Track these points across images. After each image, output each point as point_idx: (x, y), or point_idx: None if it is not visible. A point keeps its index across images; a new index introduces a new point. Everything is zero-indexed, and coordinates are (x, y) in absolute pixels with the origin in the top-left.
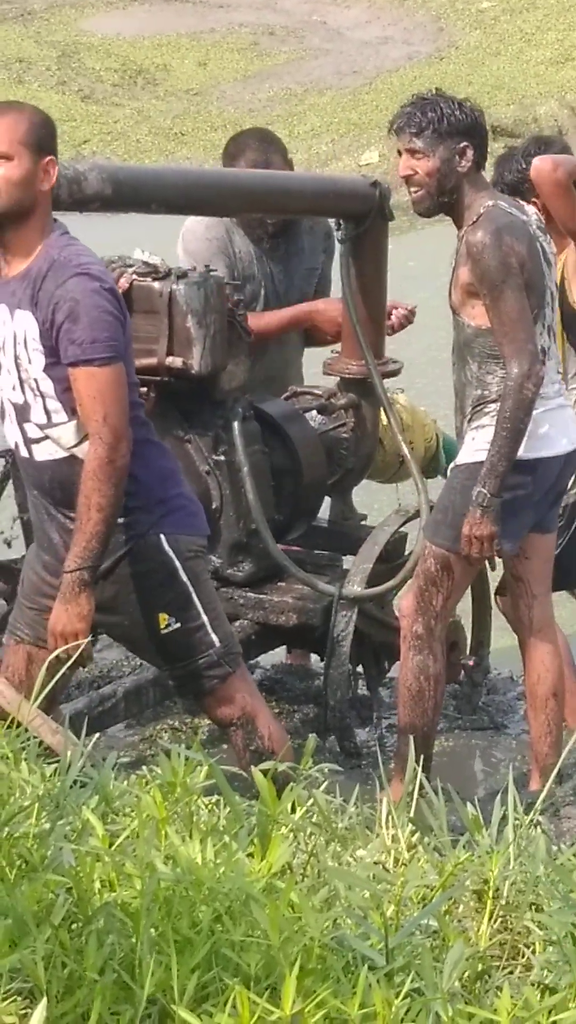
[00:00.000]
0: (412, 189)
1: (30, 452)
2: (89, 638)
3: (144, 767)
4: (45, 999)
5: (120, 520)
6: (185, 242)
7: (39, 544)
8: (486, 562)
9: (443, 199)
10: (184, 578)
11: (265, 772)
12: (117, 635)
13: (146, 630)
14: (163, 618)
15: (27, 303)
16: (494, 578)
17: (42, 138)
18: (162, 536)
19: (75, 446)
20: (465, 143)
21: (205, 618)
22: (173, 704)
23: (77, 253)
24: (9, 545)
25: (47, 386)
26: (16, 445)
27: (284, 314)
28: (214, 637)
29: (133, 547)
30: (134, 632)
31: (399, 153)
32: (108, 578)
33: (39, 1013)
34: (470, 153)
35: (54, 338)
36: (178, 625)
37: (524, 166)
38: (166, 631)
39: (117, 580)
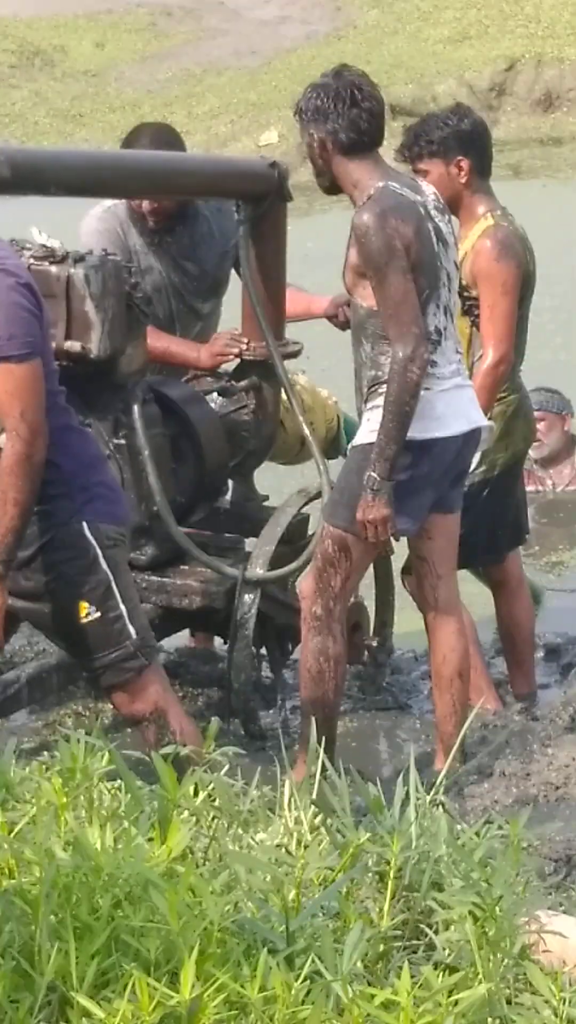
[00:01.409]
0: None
1: None
2: None
3: (47, 753)
4: None
5: (42, 507)
6: (81, 235)
7: None
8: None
9: (321, 180)
10: (104, 566)
11: (166, 757)
12: (38, 623)
13: (66, 619)
14: (83, 607)
15: None
16: (399, 558)
17: None
18: (84, 523)
19: None
20: (313, 130)
21: (123, 609)
22: (76, 689)
23: None
24: None
25: None
26: None
27: (173, 349)
28: (131, 629)
29: (55, 535)
30: (54, 620)
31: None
32: (30, 566)
33: None
34: (317, 137)
35: None
36: (98, 615)
37: (453, 121)
38: (86, 620)
39: (39, 568)
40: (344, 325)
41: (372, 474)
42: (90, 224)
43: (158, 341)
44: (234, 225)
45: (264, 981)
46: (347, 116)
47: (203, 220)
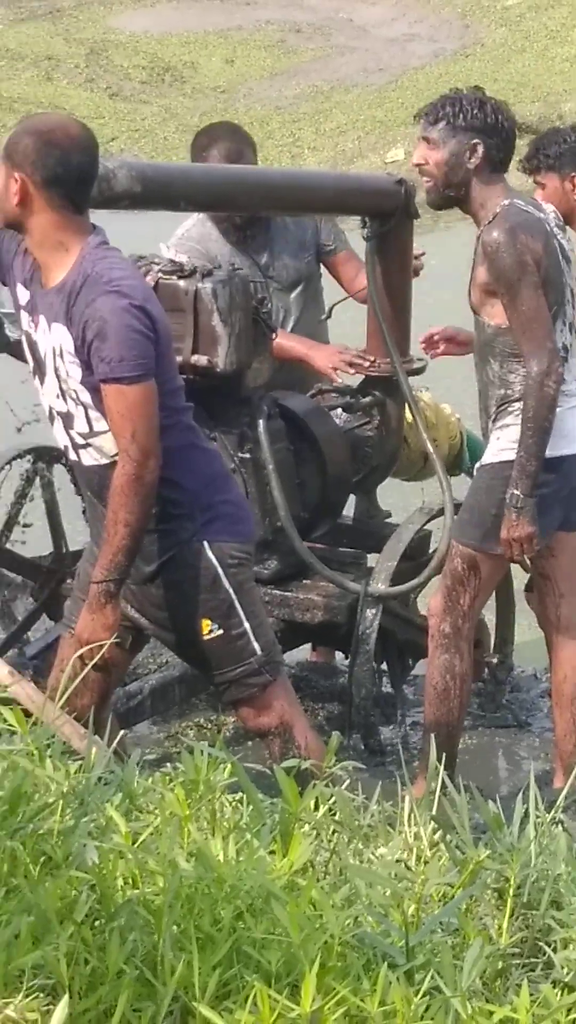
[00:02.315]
0: (424, 180)
1: (78, 456)
2: (113, 640)
3: (169, 764)
4: (67, 995)
5: (164, 526)
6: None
7: (93, 540)
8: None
9: (449, 192)
10: (227, 585)
11: (288, 770)
12: (163, 638)
13: (189, 635)
14: (206, 624)
15: (62, 317)
16: (520, 576)
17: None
18: (205, 543)
19: (117, 454)
20: (477, 140)
21: (247, 626)
22: (199, 702)
23: (110, 267)
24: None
25: (86, 397)
26: (66, 448)
27: (283, 343)
28: (256, 645)
29: (176, 553)
30: (177, 636)
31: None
32: (153, 582)
33: (61, 1009)
34: (480, 150)
35: (87, 354)
36: (220, 632)
37: (572, 138)
38: (208, 637)
39: (161, 585)
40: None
41: (515, 492)
42: (176, 234)
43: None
44: (307, 217)
45: (384, 995)
46: (505, 138)
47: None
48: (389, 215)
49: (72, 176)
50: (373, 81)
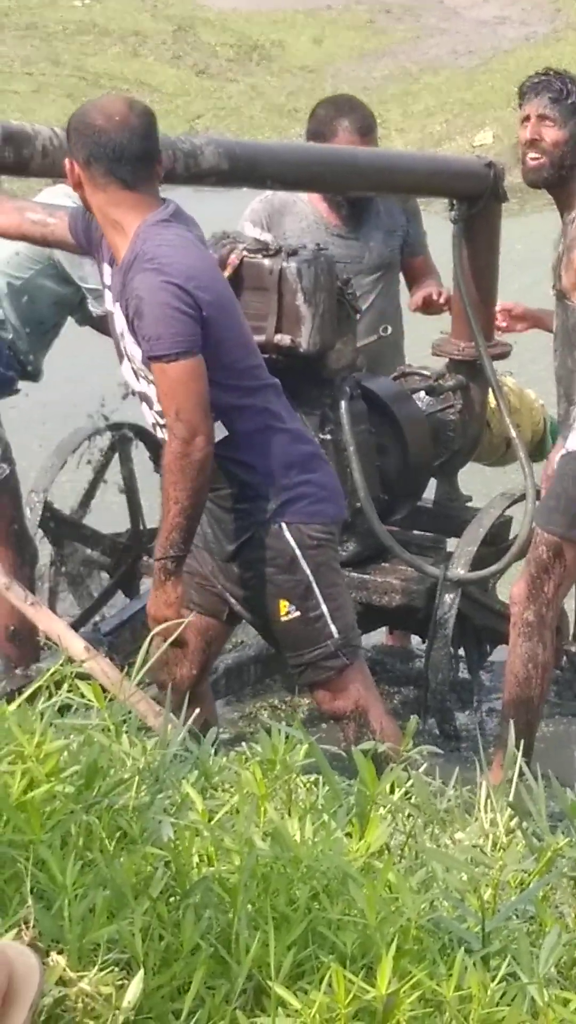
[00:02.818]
0: (532, 155)
1: (161, 434)
2: (185, 620)
3: (243, 744)
4: (142, 971)
5: (241, 506)
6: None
7: None
8: None
9: (560, 172)
10: (304, 567)
11: (365, 752)
12: (245, 616)
13: (267, 615)
14: (283, 605)
15: (120, 296)
16: None
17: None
18: (283, 524)
19: None
20: None
21: (325, 608)
22: (273, 683)
23: (157, 245)
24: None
25: (152, 376)
26: (152, 427)
27: None
28: (333, 628)
29: (254, 533)
30: (256, 616)
31: (526, 118)
32: (234, 560)
33: (136, 984)
34: None
35: (135, 333)
36: (298, 614)
37: None
38: (285, 618)
39: (242, 564)
40: None
41: None
42: (245, 213)
43: None
44: (399, 205)
45: (460, 980)
46: None
47: (369, 199)
48: (477, 198)
49: (107, 153)
50: (462, 64)
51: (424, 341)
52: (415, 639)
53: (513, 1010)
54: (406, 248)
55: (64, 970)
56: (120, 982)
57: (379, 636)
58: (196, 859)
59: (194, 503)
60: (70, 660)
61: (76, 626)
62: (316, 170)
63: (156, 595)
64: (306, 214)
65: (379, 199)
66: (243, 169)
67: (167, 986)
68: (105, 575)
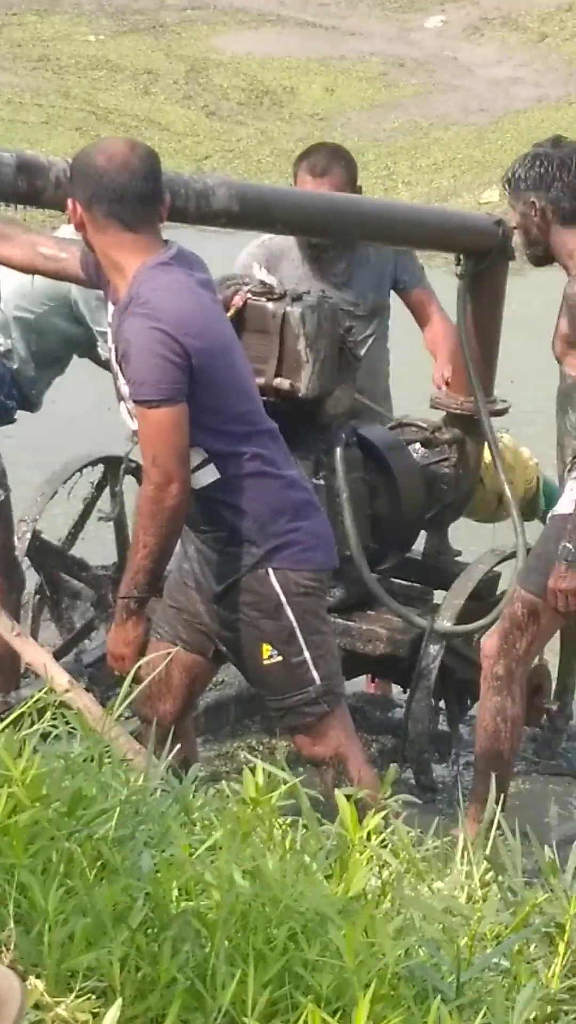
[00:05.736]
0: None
1: None
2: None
3: (221, 783)
4: (120, 999)
5: (229, 550)
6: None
7: (183, 548)
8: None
9: (535, 251)
10: (289, 613)
11: (348, 796)
12: (230, 657)
13: (249, 658)
14: (266, 649)
15: (114, 338)
16: None
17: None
18: (270, 570)
19: None
20: (534, 198)
21: (308, 655)
22: (252, 723)
23: (152, 288)
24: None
25: None
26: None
27: None
28: (315, 674)
29: (240, 577)
30: (238, 657)
31: None
32: (221, 602)
33: (113, 1013)
34: (539, 205)
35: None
36: (280, 658)
37: None
38: (268, 662)
39: (228, 606)
40: None
41: (567, 544)
42: (240, 257)
43: None
44: (389, 250)
45: None
46: (571, 185)
47: (360, 245)
48: (485, 254)
49: (108, 194)
50: (473, 121)
51: (418, 388)
52: (396, 688)
53: None
54: (399, 283)
55: (42, 995)
56: (96, 1010)
57: (360, 683)
58: (176, 892)
59: (162, 548)
60: (52, 690)
61: (58, 656)
62: (327, 217)
63: (116, 633)
64: (302, 260)
65: (367, 246)
66: (254, 212)
67: (142, 1017)
68: (90, 607)
